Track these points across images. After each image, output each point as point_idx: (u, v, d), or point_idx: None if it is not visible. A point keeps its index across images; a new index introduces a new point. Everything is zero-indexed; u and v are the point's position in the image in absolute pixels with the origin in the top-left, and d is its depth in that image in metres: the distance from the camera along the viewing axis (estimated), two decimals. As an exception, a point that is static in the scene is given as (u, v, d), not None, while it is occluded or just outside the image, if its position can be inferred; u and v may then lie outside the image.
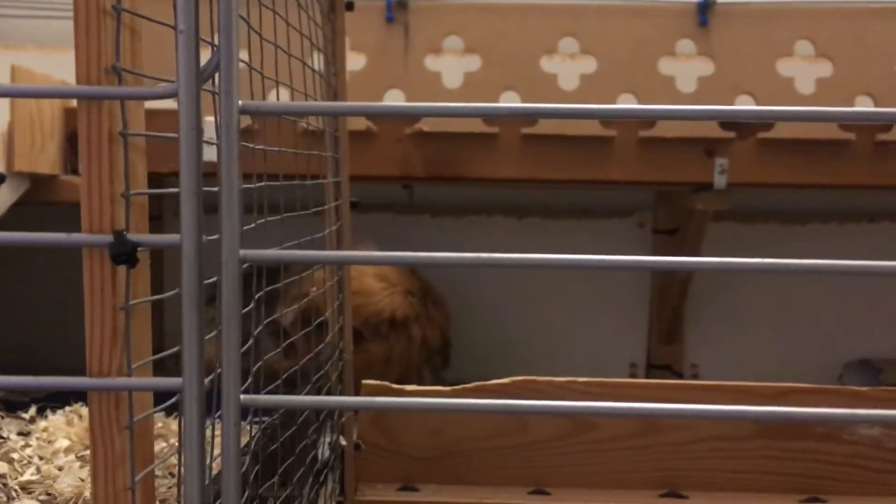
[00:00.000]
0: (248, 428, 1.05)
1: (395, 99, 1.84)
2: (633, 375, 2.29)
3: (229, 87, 0.46)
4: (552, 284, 2.27)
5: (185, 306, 0.47)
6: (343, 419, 1.38)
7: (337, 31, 1.35)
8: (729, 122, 1.82)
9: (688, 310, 2.22)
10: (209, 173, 0.87)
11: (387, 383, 1.44)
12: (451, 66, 1.86)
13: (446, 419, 1.44)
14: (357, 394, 1.43)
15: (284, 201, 1.10)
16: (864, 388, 1.46)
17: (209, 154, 1.68)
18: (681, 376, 2.24)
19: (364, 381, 1.45)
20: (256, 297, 0.84)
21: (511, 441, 1.45)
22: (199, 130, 0.47)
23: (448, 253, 0.60)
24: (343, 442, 1.34)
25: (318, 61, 1.18)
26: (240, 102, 0.47)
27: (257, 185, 0.78)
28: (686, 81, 1.83)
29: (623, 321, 2.28)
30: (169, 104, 0.50)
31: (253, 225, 0.74)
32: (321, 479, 1.22)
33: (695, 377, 2.27)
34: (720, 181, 1.82)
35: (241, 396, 0.48)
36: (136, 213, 0.51)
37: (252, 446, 0.87)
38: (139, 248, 0.48)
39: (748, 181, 1.84)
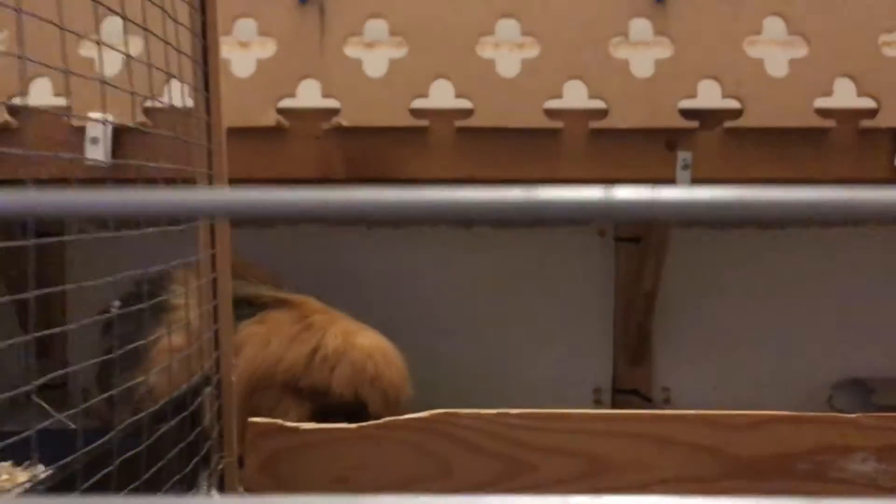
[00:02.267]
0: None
1: (310, 89, 1.60)
2: (598, 402, 2.04)
3: None
4: (504, 299, 2.03)
5: None
6: (221, 465, 1.13)
7: (209, 24, 1.12)
8: (692, 110, 1.59)
9: (656, 326, 1.98)
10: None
11: (279, 421, 1.19)
12: (374, 52, 1.64)
13: (353, 464, 1.20)
14: (242, 434, 1.18)
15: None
16: (854, 416, 1.22)
17: (93, 153, 1.34)
18: (650, 402, 2.00)
19: (251, 420, 1.20)
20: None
21: (432, 488, 1.20)
22: None
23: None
24: (218, 499, 1.09)
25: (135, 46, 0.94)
26: None
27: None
28: (641, 65, 1.60)
29: (585, 341, 2.04)
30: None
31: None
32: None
33: (666, 402, 2.03)
34: (683, 177, 1.59)
35: None
36: None
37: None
38: None
39: (715, 177, 1.60)
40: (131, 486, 0.76)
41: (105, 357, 0.83)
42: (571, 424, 1.21)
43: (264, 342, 1.41)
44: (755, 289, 2.03)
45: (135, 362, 1.43)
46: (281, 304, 1.47)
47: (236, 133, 1.50)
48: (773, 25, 1.61)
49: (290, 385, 1.41)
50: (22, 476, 1.18)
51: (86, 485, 0.68)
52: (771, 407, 1.74)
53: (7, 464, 1.20)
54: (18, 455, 1.22)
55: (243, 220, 1.63)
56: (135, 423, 0.84)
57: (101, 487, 0.71)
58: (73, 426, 1.33)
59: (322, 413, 1.35)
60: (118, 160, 1.43)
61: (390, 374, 1.43)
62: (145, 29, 0.97)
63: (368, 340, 1.46)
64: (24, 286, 0.67)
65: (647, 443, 1.20)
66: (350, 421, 1.40)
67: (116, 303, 0.77)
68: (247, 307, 1.50)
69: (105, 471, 0.73)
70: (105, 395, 0.85)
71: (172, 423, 0.90)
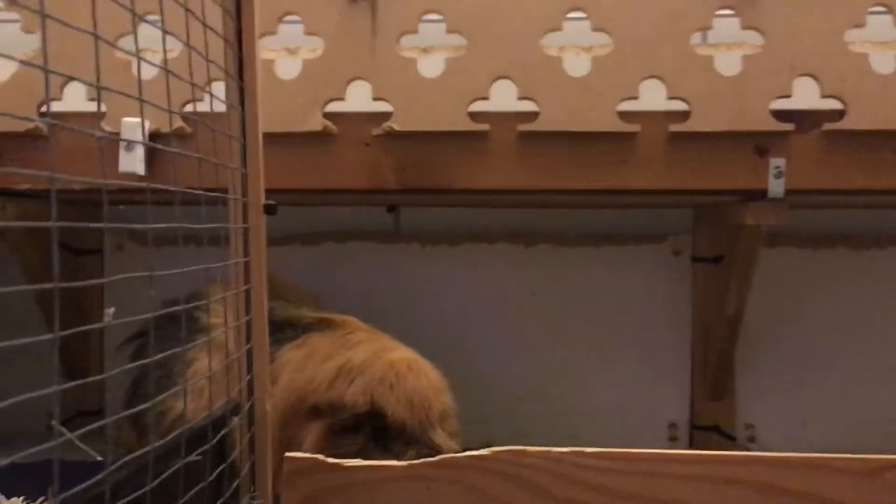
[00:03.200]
0: None
1: (360, 92, 1.48)
2: (673, 438, 1.85)
3: None
4: (568, 324, 1.86)
5: None
6: (253, 508, 0.99)
7: (245, 28, 1.00)
8: (786, 111, 1.41)
9: (740, 355, 1.79)
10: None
11: (319, 457, 1.04)
12: (430, 51, 1.50)
13: (403, 508, 1.04)
14: (278, 468, 1.04)
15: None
16: None
17: (128, 164, 1.18)
18: (733, 440, 1.80)
19: (288, 455, 1.05)
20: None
21: (493, 539, 1.04)
22: None
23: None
24: (245, 545, 0.94)
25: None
26: None
27: None
28: (727, 61, 1.44)
29: (658, 370, 1.85)
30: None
31: None
32: None
33: (751, 441, 1.82)
34: (776, 187, 1.41)
35: None
36: None
37: None
38: None
39: (813, 187, 1.42)
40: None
41: (115, 370, 0.69)
42: (657, 467, 1.03)
43: (301, 368, 1.27)
44: (851, 314, 1.83)
45: (164, 388, 1.30)
46: (323, 324, 1.33)
47: (279, 139, 1.38)
48: (879, 17, 1.43)
49: (315, 406, 1.26)
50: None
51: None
52: (868, 448, 1.53)
53: (19, 500, 1.07)
54: (35, 490, 1.09)
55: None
56: (140, 457, 0.70)
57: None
58: (98, 458, 1.20)
59: (338, 430, 1.20)
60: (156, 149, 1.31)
61: (416, 382, 1.27)
62: (184, 6, 0.84)
63: (398, 354, 1.31)
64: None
65: (749, 490, 1.02)
66: (373, 437, 1.24)
67: (111, 310, 0.64)
68: (289, 329, 1.37)
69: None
70: (114, 417, 0.71)
71: (187, 459, 0.76)
